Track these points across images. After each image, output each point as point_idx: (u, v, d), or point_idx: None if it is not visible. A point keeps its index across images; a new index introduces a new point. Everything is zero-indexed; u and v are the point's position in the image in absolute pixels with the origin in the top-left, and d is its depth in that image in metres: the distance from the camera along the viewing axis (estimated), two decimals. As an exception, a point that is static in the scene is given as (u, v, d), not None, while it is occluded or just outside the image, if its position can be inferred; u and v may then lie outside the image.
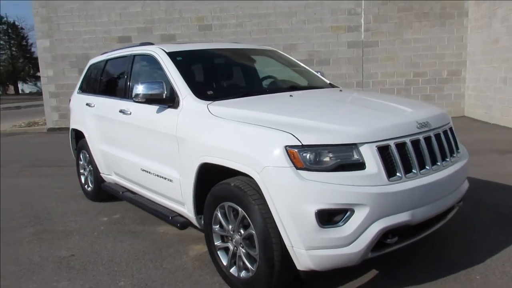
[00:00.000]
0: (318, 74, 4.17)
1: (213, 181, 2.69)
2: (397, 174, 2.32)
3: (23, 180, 6.17)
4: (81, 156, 4.93)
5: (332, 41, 10.91)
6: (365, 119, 2.54)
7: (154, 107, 3.26)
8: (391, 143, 2.33)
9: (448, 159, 2.65)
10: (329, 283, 2.70)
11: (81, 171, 4.99)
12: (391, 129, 2.40)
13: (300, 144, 2.22)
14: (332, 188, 2.18)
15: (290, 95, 3.14)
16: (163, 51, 3.49)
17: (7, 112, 21.58)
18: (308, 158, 2.22)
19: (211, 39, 11.06)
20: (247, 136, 2.48)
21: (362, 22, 10.72)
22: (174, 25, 11.29)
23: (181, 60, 3.44)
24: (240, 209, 2.49)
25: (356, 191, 2.18)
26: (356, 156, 2.25)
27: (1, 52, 48.86)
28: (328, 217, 2.20)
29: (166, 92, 3.08)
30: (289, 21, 10.91)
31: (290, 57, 4.29)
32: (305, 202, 2.18)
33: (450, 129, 2.84)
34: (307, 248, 2.23)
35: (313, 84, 3.81)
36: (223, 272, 2.75)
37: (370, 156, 2.26)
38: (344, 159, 2.24)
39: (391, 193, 2.25)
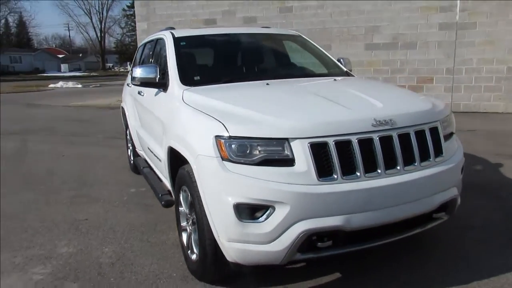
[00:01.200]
0: (341, 61, 3.94)
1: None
2: (333, 174, 2.14)
3: (96, 149, 7.00)
4: (127, 132, 5.42)
5: (421, 22, 9.92)
6: (308, 113, 2.36)
7: (155, 90, 3.44)
8: (330, 141, 2.15)
9: (415, 163, 2.33)
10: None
11: (128, 145, 5.50)
12: (333, 125, 2.20)
13: (228, 134, 2.19)
14: (253, 182, 2.11)
15: (267, 83, 3.04)
16: (171, 36, 3.64)
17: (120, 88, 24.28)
18: (233, 149, 2.17)
19: (291, 21, 10.94)
20: (194, 124, 2.52)
21: (458, 2, 9.53)
22: (256, 8, 11.41)
23: (184, 45, 3.55)
24: (189, 193, 2.56)
25: (277, 188, 2.09)
26: (285, 152, 2.14)
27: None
28: (248, 212, 2.15)
29: (159, 76, 3.23)
30: (373, 2, 10.20)
31: (313, 43, 4.09)
32: (226, 194, 2.16)
33: (432, 129, 2.46)
34: (228, 240, 2.22)
35: (318, 72, 3.61)
36: (184, 253, 2.86)
37: (301, 152, 2.12)
38: (272, 153, 2.15)
39: (318, 194, 2.09)
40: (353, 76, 3.68)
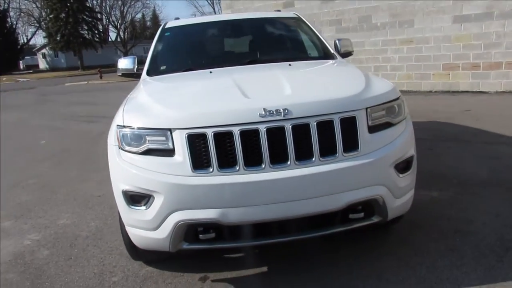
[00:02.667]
0: (336, 43, 3.66)
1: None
2: (209, 167, 2.09)
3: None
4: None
5: (524, -14, 8.35)
6: (196, 103, 2.31)
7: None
8: (209, 132, 2.09)
9: (313, 158, 2.12)
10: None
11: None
12: (212, 116, 2.13)
13: (122, 124, 2.30)
14: (137, 171, 2.20)
15: (210, 72, 2.99)
16: (162, 26, 3.83)
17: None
18: (124, 138, 2.28)
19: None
20: (117, 113, 2.66)
21: None
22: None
23: (168, 35, 3.70)
24: None
25: (154, 178, 2.14)
26: (168, 142, 2.16)
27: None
28: (134, 199, 2.24)
29: (136, 66, 3.46)
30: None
31: (308, 25, 3.84)
32: (118, 181, 2.29)
33: (346, 119, 2.19)
34: (126, 225, 2.36)
35: (293, 56, 3.43)
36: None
37: (179, 143, 2.13)
38: (156, 144, 2.19)
39: (191, 185, 2.08)
40: (333, 59, 3.38)
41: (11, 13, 52.70)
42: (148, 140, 2.20)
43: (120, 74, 3.61)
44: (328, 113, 2.17)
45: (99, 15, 52.19)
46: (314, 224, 2.25)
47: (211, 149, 2.09)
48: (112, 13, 55.99)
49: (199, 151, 2.11)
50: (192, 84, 2.90)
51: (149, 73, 3.28)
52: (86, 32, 47.26)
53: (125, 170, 2.24)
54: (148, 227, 2.23)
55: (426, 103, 8.68)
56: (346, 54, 3.75)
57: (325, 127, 2.15)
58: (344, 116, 2.19)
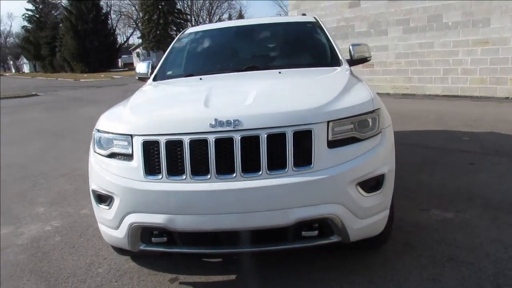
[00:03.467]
0: (350, 49, 3.51)
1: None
2: (159, 173, 2.16)
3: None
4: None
5: None
6: (158, 111, 2.37)
7: None
8: (162, 139, 2.16)
9: (260, 171, 2.08)
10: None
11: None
12: (166, 124, 2.20)
13: (97, 128, 2.47)
14: (101, 173, 2.36)
15: (200, 78, 3.04)
16: (181, 32, 3.99)
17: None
18: (96, 141, 2.45)
19: None
20: None
21: None
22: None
23: (183, 41, 3.84)
24: None
25: (113, 180, 2.27)
26: (128, 148, 2.28)
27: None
28: (101, 198, 2.40)
29: (150, 71, 3.66)
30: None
31: (323, 28, 3.71)
32: (90, 180, 2.48)
33: (300, 133, 2.11)
34: (98, 221, 2.53)
35: (296, 62, 3.37)
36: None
37: (136, 149, 2.23)
38: (119, 148, 2.32)
39: (141, 190, 2.18)
40: (335, 67, 3.23)
41: (113, 16, 58.08)
42: (114, 145, 2.34)
43: (137, 78, 3.84)
44: (280, 125, 2.11)
45: (188, 17, 55.23)
46: (264, 238, 2.20)
47: (162, 156, 2.16)
48: (200, 14, 58.90)
49: (152, 157, 2.19)
50: (171, 92, 3.00)
51: (155, 78, 3.45)
52: (175, 32, 50.25)
53: (94, 170, 2.42)
54: (111, 226, 2.37)
55: (496, 111, 7.85)
56: (360, 60, 3.57)
57: (277, 140, 2.10)
58: (298, 130, 2.11)
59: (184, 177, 2.13)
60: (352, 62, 3.54)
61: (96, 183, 2.40)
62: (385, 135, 2.36)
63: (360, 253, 2.76)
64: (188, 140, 2.12)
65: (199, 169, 2.12)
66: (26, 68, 78.38)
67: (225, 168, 2.10)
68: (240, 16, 76.36)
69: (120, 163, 2.30)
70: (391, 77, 11.14)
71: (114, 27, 57.98)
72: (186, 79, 3.26)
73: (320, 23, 3.83)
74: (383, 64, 11.20)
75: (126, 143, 2.29)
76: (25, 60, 77.02)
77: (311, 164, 2.10)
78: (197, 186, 2.10)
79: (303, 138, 2.11)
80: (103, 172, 2.35)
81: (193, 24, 57.89)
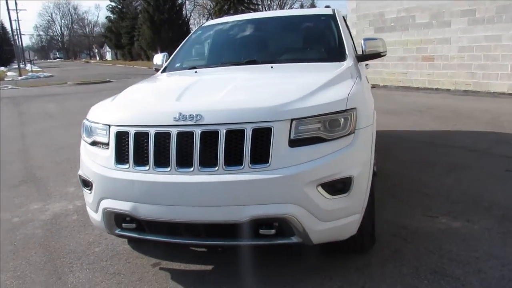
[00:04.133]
0: (361, 43, 3.36)
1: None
2: (127, 163, 2.27)
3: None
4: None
5: None
6: (133, 103, 2.46)
7: None
8: (131, 131, 2.26)
9: (217, 167, 2.09)
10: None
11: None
12: (135, 116, 2.30)
13: (87, 117, 2.64)
14: (84, 159, 2.53)
15: (195, 71, 3.08)
16: (200, 26, 4.08)
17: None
18: (85, 129, 2.61)
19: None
20: None
21: None
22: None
23: (197, 34, 3.93)
24: None
25: (89, 167, 2.43)
26: (106, 137, 2.41)
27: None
28: (84, 183, 2.56)
29: (165, 63, 3.81)
30: None
31: (338, 22, 3.56)
32: (80, 168, 2.65)
33: (260, 130, 2.08)
34: (86, 204, 2.72)
35: (295, 57, 3.28)
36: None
37: (111, 139, 2.35)
38: (99, 137, 2.46)
39: (110, 178, 2.30)
40: (337, 62, 3.09)
41: (188, 6, 60.18)
42: (96, 133, 2.49)
43: (154, 69, 4.00)
44: (240, 122, 2.10)
45: (258, 6, 55.46)
46: (222, 232, 2.22)
47: (130, 146, 2.25)
48: (271, 5, 58.81)
49: (123, 147, 2.30)
50: (160, 84, 3.08)
51: (164, 70, 3.58)
52: (245, 22, 50.84)
53: (81, 157, 2.59)
54: (92, 209, 2.53)
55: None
56: (372, 56, 3.39)
57: (236, 136, 2.09)
58: (257, 127, 2.09)
59: (147, 167, 2.21)
60: (363, 57, 3.38)
61: (81, 169, 2.57)
62: (359, 136, 2.24)
63: (342, 257, 2.67)
64: (154, 132, 2.20)
65: (161, 161, 2.18)
66: (108, 56, 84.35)
67: (185, 162, 2.14)
68: (312, 6, 75.13)
69: (99, 151, 2.44)
70: (452, 72, 10.35)
71: (188, 17, 60.07)
72: (184, 71, 3.35)
73: (337, 16, 3.68)
74: (444, 58, 10.45)
75: (104, 133, 2.42)
76: (108, 48, 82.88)
77: (268, 162, 2.07)
78: (158, 177, 2.17)
79: (262, 136, 2.09)
80: (86, 159, 2.51)
81: (263, 14, 57.93)
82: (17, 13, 55.55)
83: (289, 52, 3.55)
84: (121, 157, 2.30)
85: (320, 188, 2.11)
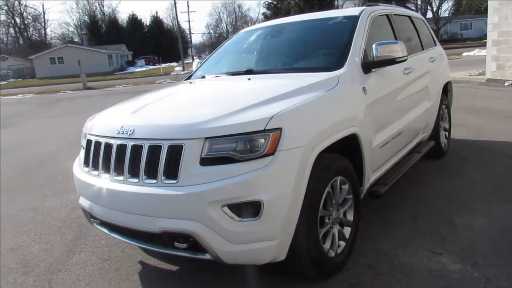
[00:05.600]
0: (372, 48, 3.03)
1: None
2: (88, 166, 2.60)
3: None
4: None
5: None
6: (109, 113, 2.79)
7: None
8: (93, 139, 2.59)
9: (138, 179, 2.24)
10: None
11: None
12: (98, 127, 2.59)
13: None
14: (76, 162, 2.96)
15: (190, 82, 3.18)
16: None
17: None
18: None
19: None
20: None
21: None
22: None
23: (229, 41, 4.06)
24: None
25: (74, 168, 2.85)
26: (84, 142, 2.79)
27: None
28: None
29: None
30: None
31: (356, 27, 3.23)
32: None
33: (172, 147, 2.15)
34: None
35: (289, 67, 3.16)
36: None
37: (84, 144, 2.74)
38: (83, 142, 2.85)
39: (78, 178, 2.68)
40: (330, 72, 2.81)
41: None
42: (83, 140, 2.89)
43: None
44: (159, 138, 2.22)
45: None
46: (148, 238, 2.37)
47: (91, 153, 2.59)
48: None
49: (88, 153, 2.64)
50: (151, 94, 3.25)
51: (189, 78, 3.83)
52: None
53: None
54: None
55: None
56: (385, 62, 3.02)
57: (156, 151, 2.22)
58: (172, 144, 2.17)
59: (97, 173, 2.51)
60: (373, 64, 3.03)
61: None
62: (279, 158, 2.10)
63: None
64: (104, 142, 2.48)
65: (106, 168, 2.45)
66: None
67: (120, 171, 2.36)
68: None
69: (81, 154, 2.84)
70: None
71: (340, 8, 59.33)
72: (189, 81, 3.53)
73: (360, 18, 3.33)
74: None
75: (84, 139, 2.80)
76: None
77: (176, 178, 2.14)
78: (103, 182, 2.44)
79: (175, 153, 2.16)
80: (77, 160, 2.95)
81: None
82: (188, 15, 63.37)
83: (287, 61, 3.40)
84: (86, 161, 2.65)
85: (226, 209, 2.08)
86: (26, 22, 69.16)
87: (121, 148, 2.36)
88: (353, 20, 3.34)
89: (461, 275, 2.46)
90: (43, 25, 72.28)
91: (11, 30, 70.96)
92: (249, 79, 3.00)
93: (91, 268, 3.00)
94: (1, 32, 70.91)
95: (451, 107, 5.28)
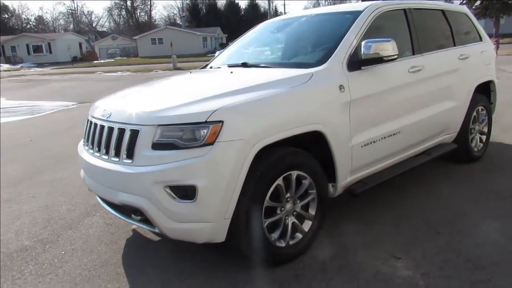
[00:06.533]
0: (362, 45, 3.01)
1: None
2: (86, 142, 3.03)
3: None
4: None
5: None
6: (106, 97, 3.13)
7: None
8: (89, 119, 3.01)
9: (108, 156, 2.59)
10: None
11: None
12: (94, 109, 2.98)
13: None
14: None
15: (190, 72, 3.42)
16: None
17: None
18: None
19: None
20: None
21: None
22: None
23: (251, 31, 4.24)
24: None
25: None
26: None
27: None
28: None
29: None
30: None
31: (356, 22, 3.19)
32: None
33: (133, 131, 2.45)
34: None
35: (279, 62, 3.18)
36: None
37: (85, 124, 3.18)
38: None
39: (78, 153, 3.12)
40: (309, 69, 2.85)
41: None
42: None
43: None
44: (124, 122, 2.54)
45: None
46: (117, 208, 2.71)
47: (86, 130, 3.00)
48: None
49: (85, 131, 3.07)
50: (152, 82, 3.58)
51: (205, 67, 4.11)
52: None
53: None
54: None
55: None
56: (372, 60, 2.97)
57: (122, 133, 2.54)
58: (132, 128, 2.48)
59: (87, 148, 2.92)
60: (361, 62, 3.00)
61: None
62: (217, 148, 2.29)
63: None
64: (93, 123, 2.88)
65: (92, 145, 2.85)
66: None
67: (98, 148, 2.74)
68: None
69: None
70: None
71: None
72: (197, 70, 3.80)
73: (362, 14, 3.26)
74: None
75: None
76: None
77: (132, 158, 2.45)
78: (89, 157, 2.84)
79: (134, 136, 2.46)
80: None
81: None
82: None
83: (283, 56, 3.49)
84: (84, 138, 3.09)
85: (168, 190, 2.34)
86: (134, 4, 75.44)
87: (101, 129, 2.74)
88: (353, 16, 3.30)
89: (405, 281, 2.43)
90: (149, 7, 78.22)
91: (123, 12, 78.17)
92: (231, 72, 3.18)
93: (94, 229, 3.49)
94: (115, 13, 78.51)
95: (494, 108, 4.84)
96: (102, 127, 2.73)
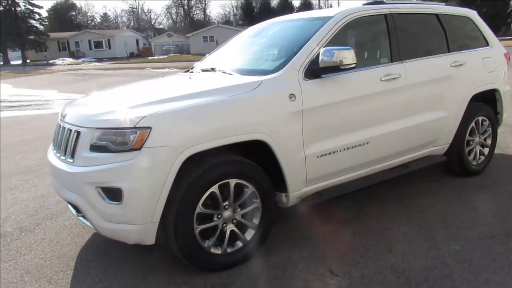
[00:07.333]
0: (324, 54, 2.94)
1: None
2: None
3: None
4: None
5: None
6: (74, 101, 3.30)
7: None
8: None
9: (60, 154, 2.76)
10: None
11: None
12: (61, 111, 3.15)
13: None
14: None
15: (162, 75, 3.50)
16: None
17: None
18: None
19: None
20: None
21: None
22: None
23: (242, 34, 4.26)
24: None
25: None
26: None
27: None
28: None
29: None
30: None
31: (317, 29, 3.10)
32: None
33: (76, 132, 2.59)
34: None
35: (242, 68, 3.16)
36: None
37: None
38: None
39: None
40: (263, 77, 2.83)
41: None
42: None
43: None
44: (71, 123, 2.70)
45: None
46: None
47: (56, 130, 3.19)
48: None
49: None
50: (129, 85, 3.68)
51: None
52: None
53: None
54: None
55: None
56: (328, 69, 2.89)
57: (70, 134, 2.68)
58: (76, 129, 2.62)
59: (52, 147, 3.10)
60: (319, 70, 2.92)
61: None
62: (144, 153, 2.35)
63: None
64: (59, 124, 3.05)
65: (55, 145, 3.02)
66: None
67: (58, 148, 2.90)
68: None
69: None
70: None
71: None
72: (168, 74, 3.87)
73: (330, 20, 3.16)
74: None
75: None
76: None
77: (73, 158, 2.58)
78: (51, 156, 3.01)
79: (77, 137, 2.60)
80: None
81: None
82: None
83: (247, 62, 3.47)
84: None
85: (100, 191, 2.45)
86: (191, 3, 77.60)
87: (58, 129, 2.91)
88: (322, 22, 3.22)
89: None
90: (203, 6, 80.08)
91: (181, 10, 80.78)
92: (190, 78, 3.23)
93: (69, 221, 3.69)
94: (173, 11, 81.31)
95: (502, 119, 4.48)
96: (59, 127, 2.90)
